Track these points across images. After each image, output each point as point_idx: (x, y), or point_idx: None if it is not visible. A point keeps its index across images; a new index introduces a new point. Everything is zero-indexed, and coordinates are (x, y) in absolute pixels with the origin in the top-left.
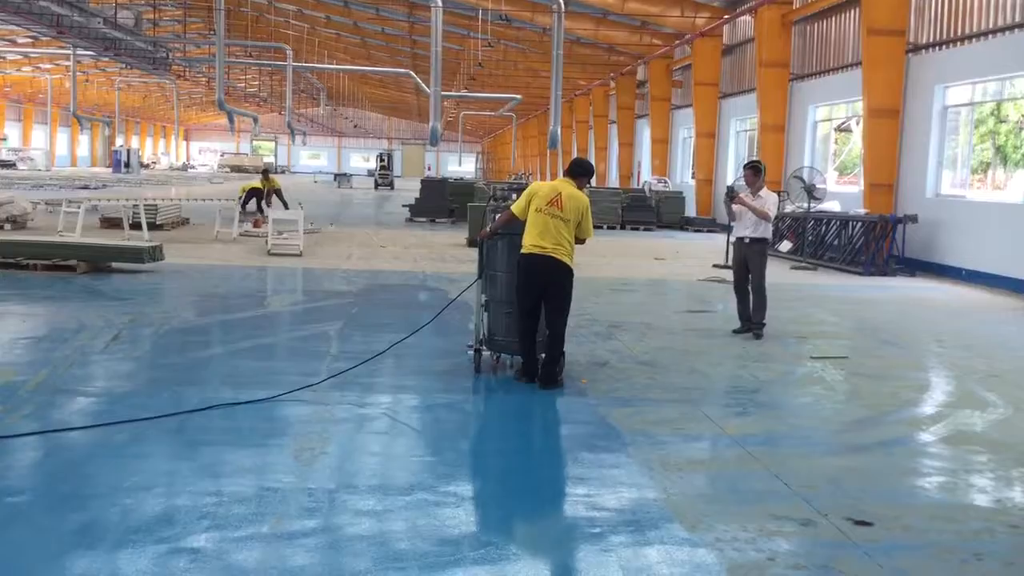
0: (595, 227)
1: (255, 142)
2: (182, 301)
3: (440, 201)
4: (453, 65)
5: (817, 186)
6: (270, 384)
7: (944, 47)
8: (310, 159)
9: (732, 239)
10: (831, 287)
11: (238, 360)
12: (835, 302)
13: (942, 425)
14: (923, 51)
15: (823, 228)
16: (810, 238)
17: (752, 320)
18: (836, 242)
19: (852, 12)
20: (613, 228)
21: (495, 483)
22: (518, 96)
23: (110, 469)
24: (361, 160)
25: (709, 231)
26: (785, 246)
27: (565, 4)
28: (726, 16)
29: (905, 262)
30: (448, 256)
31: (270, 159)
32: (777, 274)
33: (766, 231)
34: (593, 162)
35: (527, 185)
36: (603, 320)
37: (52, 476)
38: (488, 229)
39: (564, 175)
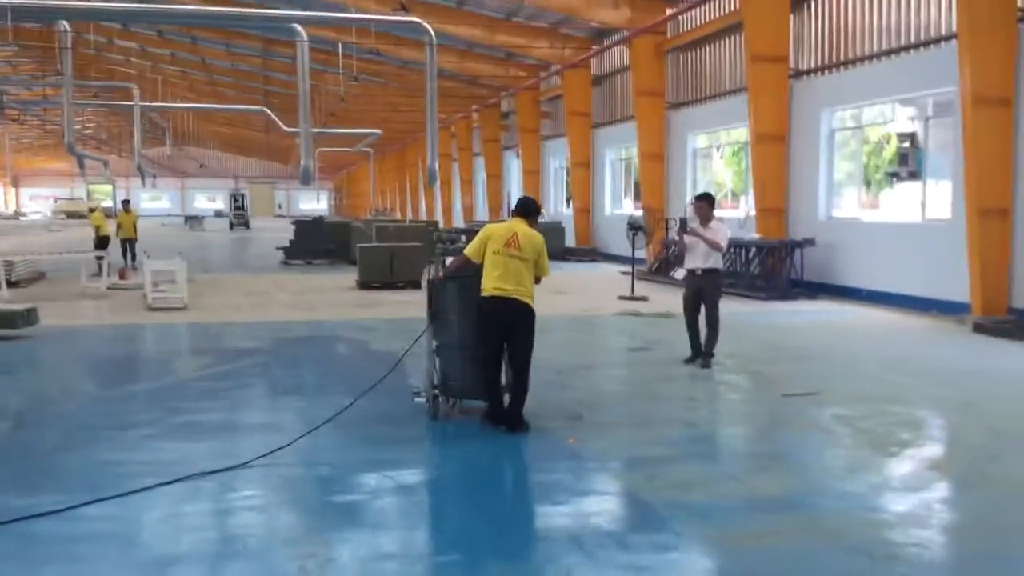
0: None
1: (90, 186)
2: (75, 372)
3: (316, 242)
4: (310, 101)
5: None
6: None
7: (826, 72)
8: (151, 202)
9: (664, 273)
10: (742, 314)
11: (177, 442)
12: (756, 330)
13: (967, 467)
14: (805, 76)
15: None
16: None
17: (704, 349)
18: (732, 268)
19: (726, 41)
20: None
21: None
22: (378, 131)
23: None
24: (206, 201)
25: (591, 260)
26: (680, 274)
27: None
28: (595, 48)
29: (804, 285)
30: (344, 301)
31: (108, 203)
32: (680, 304)
33: (717, 262)
34: (459, 195)
35: (397, 220)
36: (545, 366)
37: None
38: (440, 273)
39: (514, 215)
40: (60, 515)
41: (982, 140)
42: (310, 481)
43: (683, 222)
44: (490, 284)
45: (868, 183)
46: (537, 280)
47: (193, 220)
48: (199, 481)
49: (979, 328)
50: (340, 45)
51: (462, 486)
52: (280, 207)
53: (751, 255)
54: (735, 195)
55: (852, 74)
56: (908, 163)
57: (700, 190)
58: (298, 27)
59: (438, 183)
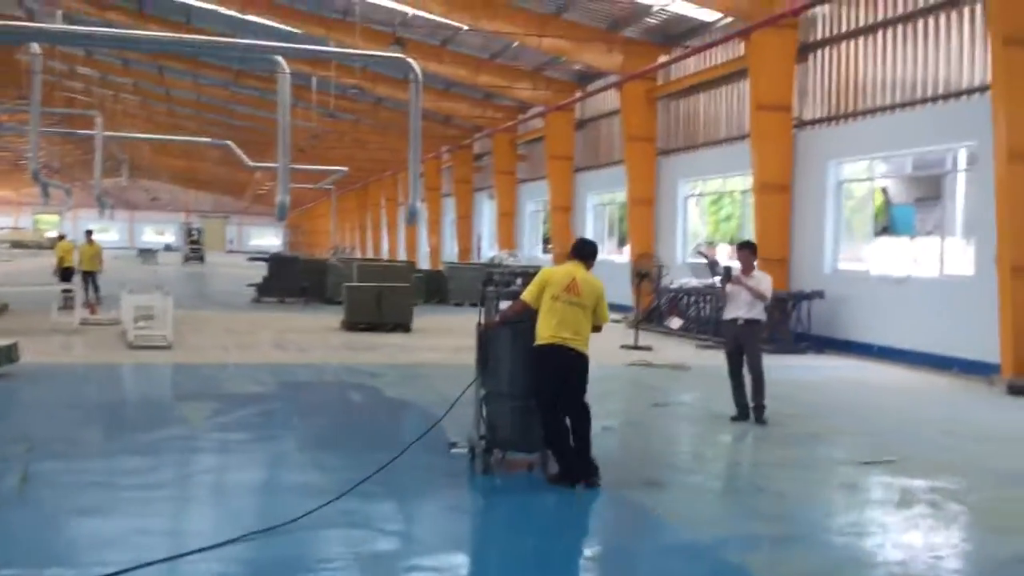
0: (457, 304)
1: (37, 216)
2: (72, 418)
3: (290, 280)
4: (271, 137)
5: (721, 263)
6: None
7: (833, 123)
8: (100, 233)
9: (657, 323)
10: None
11: (207, 506)
12: (783, 386)
13: None
14: (809, 127)
15: (716, 305)
16: (702, 315)
17: (753, 403)
18: None
19: (722, 89)
20: (475, 305)
21: None
22: (344, 168)
23: None
24: (154, 234)
25: None
26: (675, 323)
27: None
28: (579, 92)
29: (810, 339)
30: (335, 343)
31: (52, 234)
32: (687, 354)
33: (760, 312)
34: (426, 235)
35: (379, 259)
36: None
37: None
38: (497, 318)
39: (572, 257)
40: None
41: (1018, 196)
42: (370, 550)
43: (727, 270)
44: (547, 332)
45: (850, 235)
46: (596, 328)
47: (147, 253)
48: (239, 547)
49: (1015, 390)
50: (315, 80)
51: (549, 564)
52: (231, 242)
53: None
54: (711, 244)
55: (863, 125)
56: (886, 218)
57: (687, 237)
58: (280, 59)
59: (417, 222)
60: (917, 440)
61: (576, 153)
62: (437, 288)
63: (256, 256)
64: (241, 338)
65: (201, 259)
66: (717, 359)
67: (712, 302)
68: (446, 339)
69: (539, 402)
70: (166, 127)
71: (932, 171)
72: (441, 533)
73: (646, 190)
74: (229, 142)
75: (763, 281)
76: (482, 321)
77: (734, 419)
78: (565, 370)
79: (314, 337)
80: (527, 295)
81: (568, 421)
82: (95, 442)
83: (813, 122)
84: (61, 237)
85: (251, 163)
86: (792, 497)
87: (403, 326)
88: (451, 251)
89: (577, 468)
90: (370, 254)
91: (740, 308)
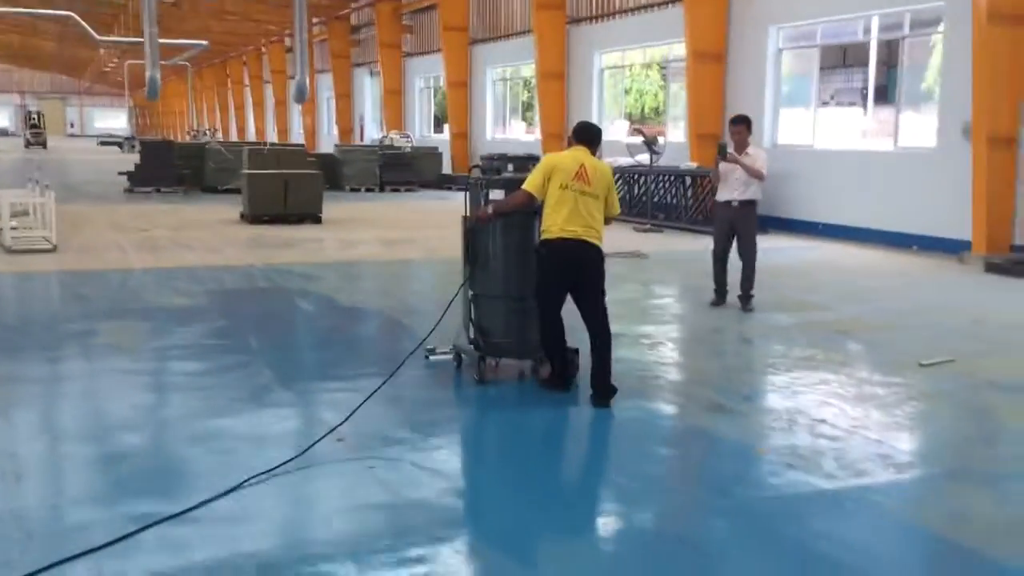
0: (353, 190)
1: None
2: None
3: (166, 167)
4: (115, 10)
5: (659, 140)
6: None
7: None
8: None
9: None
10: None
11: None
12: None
13: None
14: None
15: (651, 185)
16: (632, 197)
17: (741, 290)
18: (670, 200)
19: None
20: (372, 190)
21: None
22: (204, 42)
23: None
24: None
25: None
26: None
27: None
28: None
29: None
30: (245, 240)
31: None
32: (632, 240)
33: (756, 192)
34: (300, 117)
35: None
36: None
37: None
38: (490, 211)
39: (576, 142)
40: None
41: (997, 61)
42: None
43: (722, 148)
44: (556, 225)
45: None
46: (607, 220)
47: None
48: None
49: (993, 268)
50: None
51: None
52: (72, 125)
53: (688, 186)
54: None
55: None
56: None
57: (604, 113)
58: None
59: (304, 100)
60: (953, 332)
61: (472, 23)
62: (331, 173)
63: (108, 140)
64: (134, 236)
65: (44, 144)
66: (664, 244)
67: (644, 183)
68: (365, 231)
69: (541, 300)
70: None
71: (888, 36)
72: (454, 452)
73: (557, 63)
74: (72, 14)
75: (759, 158)
76: (468, 213)
77: (714, 304)
78: (580, 264)
79: (216, 233)
80: (530, 184)
81: (588, 332)
82: (17, 378)
83: None
84: None
85: (99, 37)
86: (903, 420)
87: (313, 216)
88: (327, 133)
89: (568, 372)
90: (233, 137)
91: (735, 189)
